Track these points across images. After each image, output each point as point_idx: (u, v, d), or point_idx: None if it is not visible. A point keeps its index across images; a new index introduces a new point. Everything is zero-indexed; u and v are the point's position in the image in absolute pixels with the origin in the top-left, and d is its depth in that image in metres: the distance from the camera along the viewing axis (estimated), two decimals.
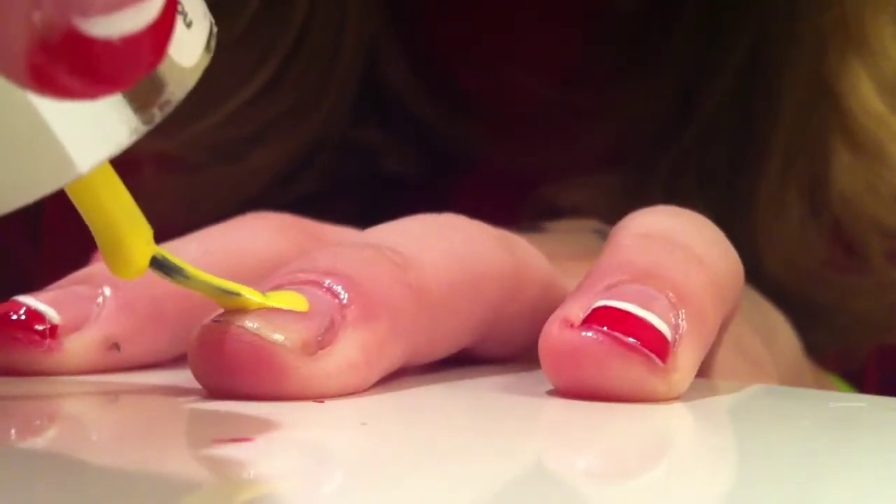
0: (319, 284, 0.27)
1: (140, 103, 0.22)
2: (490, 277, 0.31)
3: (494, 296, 0.31)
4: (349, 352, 0.27)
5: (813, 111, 0.48)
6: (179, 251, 0.31)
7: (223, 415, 0.26)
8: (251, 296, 0.27)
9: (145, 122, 0.22)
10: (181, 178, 0.48)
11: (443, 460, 0.23)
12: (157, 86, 0.23)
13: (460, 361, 0.32)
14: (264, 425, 0.25)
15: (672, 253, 0.30)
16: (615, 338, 0.27)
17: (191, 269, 0.26)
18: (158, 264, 0.26)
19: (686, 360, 0.28)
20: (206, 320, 0.27)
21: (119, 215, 0.25)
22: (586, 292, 0.28)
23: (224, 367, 0.26)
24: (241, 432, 0.24)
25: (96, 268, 0.32)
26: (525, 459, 0.24)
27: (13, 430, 0.25)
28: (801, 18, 0.48)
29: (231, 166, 0.48)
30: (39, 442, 0.24)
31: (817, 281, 0.48)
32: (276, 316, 0.26)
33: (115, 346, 0.30)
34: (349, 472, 0.22)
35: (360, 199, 0.51)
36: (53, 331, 0.30)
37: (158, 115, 0.23)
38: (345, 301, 0.27)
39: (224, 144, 0.47)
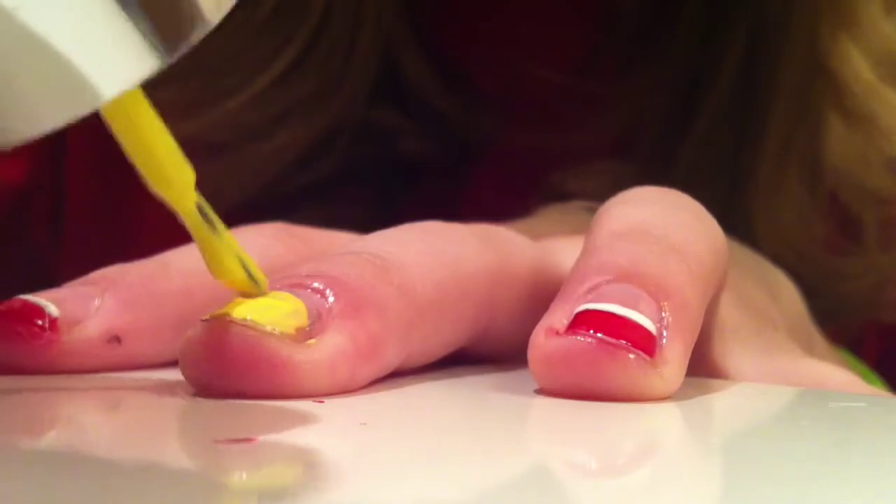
0: (305, 286, 0.28)
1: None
2: (475, 274, 0.31)
3: (483, 292, 0.31)
4: (338, 338, 0.27)
5: (809, 90, 0.49)
6: (184, 258, 0.32)
7: (223, 415, 0.26)
8: (256, 278, 0.27)
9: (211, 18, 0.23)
10: (206, 162, 0.49)
11: (442, 460, 0.23)
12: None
13: (459, 361, 0.32)
14: (264, 425, 0.25)
15: (649, 247, 0.30)
16: (601, 339, 0.27)
17: (223, 227, 0.27)
18: (199, 210, 0.26)
19: (674, 351, 0.28)
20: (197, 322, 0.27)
21: (163, 155, 0.25)
22: (568, 298, 0.29)
23: (215, 361, 0.27)
24: (242, 432, 0.24)
25: (99, 272, 0.32)
26: (525, 459, 0.24)
27: (13, 429, 0.25)
28: (795, 1, 0.48)
29: (254, 146, 0.48)
30: (38, 441, 0.24)
31: (811, 264, 0.49)
32: (266, 309, 0.27)
33: (116, 338, 0.31)
34: (349, 472, 0.22)
35: (376, 183, 0.51)
36: (53, 324, 0.30)
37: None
38: (330, 297, 0.28)
39: (247, 126, 0.48)
